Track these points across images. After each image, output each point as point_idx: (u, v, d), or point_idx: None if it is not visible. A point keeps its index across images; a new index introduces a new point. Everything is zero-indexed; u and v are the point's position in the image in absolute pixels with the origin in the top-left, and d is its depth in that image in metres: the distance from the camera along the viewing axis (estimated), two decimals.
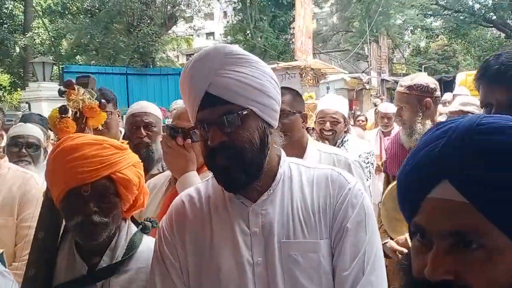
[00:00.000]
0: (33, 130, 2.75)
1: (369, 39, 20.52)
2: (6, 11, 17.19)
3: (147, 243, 1.35)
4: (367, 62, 21.48)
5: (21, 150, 2.53)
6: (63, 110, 1.46)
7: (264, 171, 1.13)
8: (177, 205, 1.25)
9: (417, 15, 22.43)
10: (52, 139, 3.31)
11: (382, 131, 5.20)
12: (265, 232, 1.12)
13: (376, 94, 20.44)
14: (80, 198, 1.23)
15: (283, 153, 1.22)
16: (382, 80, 21.26)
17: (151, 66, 16.02)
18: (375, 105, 13.44)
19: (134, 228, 1.39)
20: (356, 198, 1.15)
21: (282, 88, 2.20)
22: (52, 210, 1.35)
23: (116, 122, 2.84)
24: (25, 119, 3.40)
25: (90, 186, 1.22)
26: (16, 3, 17.94)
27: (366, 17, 21.11)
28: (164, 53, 18.35)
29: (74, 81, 1.59)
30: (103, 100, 1.54)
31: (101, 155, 1.24)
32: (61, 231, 1.40)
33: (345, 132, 3.13)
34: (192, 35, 21.97)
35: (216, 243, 1.14)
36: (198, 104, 1.07)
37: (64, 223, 1.36)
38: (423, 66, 27.09)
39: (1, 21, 17.46)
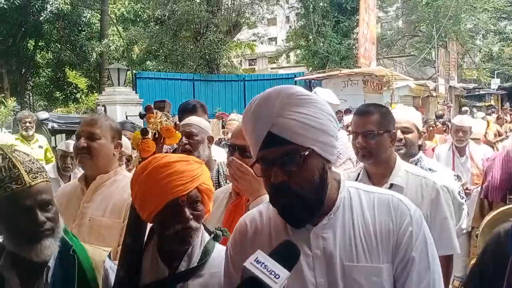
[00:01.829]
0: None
1: (437, 44, 19.74)
2: (84, 20, 18.49)
3: (219, 250, 1.46)
4: (434, 68, 20.66)
5: None
6: (144, 132, 1.65)
7: (326, 196, 1.17)
8: (241, 226, 1.31)
9: (490, 18, 21.20)
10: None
11: (456, 146, 4.71)
12: (327, 255, 1.15)
13: (444, 101, 19.65)
14: (177, 208, 1.36)
15: (342, 177, 1.25)
16: (450, 87, 20.41)
17: (215, 72, 16.54)
18: (437, 115, 12.91)
19: (207, 236, 1.50)
20: (418, 226, 1.17)
21: (371, 105, 2.27)
22: (138, 219, 1.48)
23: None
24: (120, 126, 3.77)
25: (185, 196, 1.37)
26: (93, 12, 19.25)
27: (434, 21, 20.31)
28: (228, 59, 18.84)
29: (152, 106, 1.81)
30: (177, 122, 1.75)
31: (189, 169, 1.39)
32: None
33: (420, 147, 2.84)
34: (255, 41, 22.33)
35: None
36: (261, 142, 1.12)
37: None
38: (495, 72, 25.60)
39: (80, 28, 18.84)
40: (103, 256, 1.59)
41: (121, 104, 11.95)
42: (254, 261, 1.03)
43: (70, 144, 4.29)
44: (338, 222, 1.17)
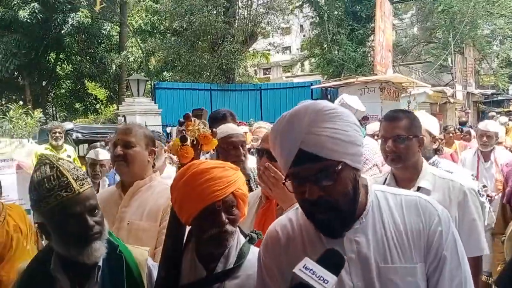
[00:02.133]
0: None
1: (454, 50, 19.61)
2: (104, 32, 18.89)
3: (254, 252, 1.50)
4: (451, 74, 20.51)
5: None
6: (183, 139, 1.71)
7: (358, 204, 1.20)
8: (272, 234, 1.33)
9: (507, 24, 20.99)
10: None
11: (481, 151, 4.76)
12: (362, 258, 1.18)
13: (462, 108, 19.46)
14: (213, 213, 1.42)
15: (369, 182, 1.27)
16: (468, 93, 20.22)
17: (232, 82, 16.71)
18: (460, 121, 12.81)
19: (242, 239, 1.56)
20: (446, 225, 1.21)
21: (399, 111, 2.34)
22: (177, 222, 1.54)
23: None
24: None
25: (221, 201, 1.42)
26: (113, 25, 19.67)
27: (451, 27, 20.19)
28: (245, 69, 19.01)
29: (191, 114, 1.85)
30: (214, 129, 1.79)
31: (226, 175, 1.44)
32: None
33: (436, 151, 2.88)
34: (269, 50, 22.48)
35: None
36: (292, 160, 1.14)
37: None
38: None
39: (100, 41, 19.26)
40: (145, 255, 1.67)
41: (140, 114, 12.18)
42: (303, 267, 1.07)
43: (99, 153, 4.44)
44: (369, 225, 1.20)
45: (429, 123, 2.72)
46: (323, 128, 1.12)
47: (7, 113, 7.37)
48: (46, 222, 1.48)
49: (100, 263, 1.51)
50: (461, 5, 19.58)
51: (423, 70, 22.99)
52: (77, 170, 1.50)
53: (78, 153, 7.86)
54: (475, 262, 2.14)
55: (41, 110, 9.33)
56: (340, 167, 1.12)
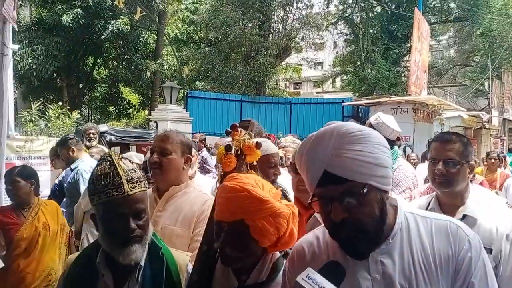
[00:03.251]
0: None
1: (491, 75, 19.14)
2: (142, 40, 19.39)
3: None
4: (487, 99, 20.00)
5: None
6: (228, 148, 1.74)
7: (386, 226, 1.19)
8: (298, 250, 1.35)
9: None
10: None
11: None
12: (386, 279, 1.16)
13: (497, 134, 18.89)
14: (219, 229, 1.45)
15: (399, 203, 1.26)
16: (504, 119, 19.62)
17: (262, 95, 16.80)
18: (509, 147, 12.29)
19: (277, 253, 1.56)
20: (477, 252, 1.18)
21: (453, 134, 2.25)
22: (215, 228, 1.53)
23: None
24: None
25: (227, 224, 1.42)
26: (150, 33, 20.19)
27: (489, 51, 19.75)
28: (276, 82, 19.10)
29: (238, 124, 1.90)
30: (259, 141, 1.81)
31: (242, 201, 1.41)
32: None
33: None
34: (301, 65, 22.52)
35: None
36: (317, 181, 1.15)
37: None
38: None
39: (137, 48, 19.76)
40: (186, 260, 1.70)
41: (172, 121, 12.38)
42: (306, 277, 1.10)
43: (131, 156, 4.53)
44: (396, 247, 1.19)
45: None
46: (349, 150, 1.13)
47: (46, 112, 7.61)
48: (96, 215, 1.55)
49: (142, 263, 1.56)
50: (501, 30, 19.12)
51: (458, 94, 22.51)
52: (134, 171, 1.56)
53: None
54: None
55: (78, 111, 9.61)
56: (365, 189, 1.12)
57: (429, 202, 2.26)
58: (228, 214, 1.42)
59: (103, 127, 8.16)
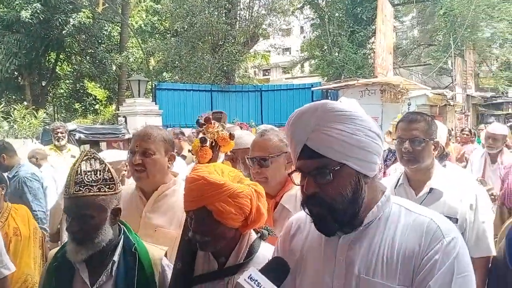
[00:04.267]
0: None
1: (454, 53, 19.68)
2: (105, 33, 18.90)
3: (264, 248, 1.59)
4: (451, 76, 20.58)
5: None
6: (203, 140, 1.77)
7: (361, 211, 1.18)
8: (287, 224, 1.42)
9: (507, 27, 21.08)
10: None
11: (488, 153, 4.88)
12: (348, 263, 1.18)
13: (461, 110, 19.52)
14: (190, 219, 1.53)
15: (387, 192, 1.25)
16: (468, 95, 20.29)
17: (232, 83, 16.73)
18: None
19: (254, 235, 1.62)
20: (447, 255, 1.10)
21: (417, 114, 2.36)
22: None
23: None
24: None
25: (192, 212, 1.51)
26: (114, 25, 19.68)
27: (451, 30, 20.27)
28: (246, 70, 19.04)
29: (211, 116, 1.92)
30: (232, 132, 1.84)
31: (203, 189, 1.47)
32: None
33: (441, 157, 2.88)
34: (269, 51, 22.51)
35: (304, 263, 1.28)
36: (298, 153, 1.18)
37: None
38: None
39: (100, 41, 19.26)
40: (161, 255, 1.76)
41: (141, 115, 12.14)
42: (248, 278, 1.12)
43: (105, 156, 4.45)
44: (368, 235, 1.19)
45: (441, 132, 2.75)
46: (329, 128, 1.14)
47: (11, 114, 7.37)
48: None
49: (116, 259, 1.64)
50: (462, 8, 19.64)
51: (423, 73, 23.05)
52: (94, 174, 1.59)
53: None
54: (484, 263, 2.21)
55: (45, 111, 9.34)
56: (338, 167, 1.13)
57: (398, 179, 2.37)
58: (191, 203, 1.49)
59: (71, 125, 7.98)
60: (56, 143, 6.11)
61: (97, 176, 1.58)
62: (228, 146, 1.85)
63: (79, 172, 1.56)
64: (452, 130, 11.39)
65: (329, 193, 1.14)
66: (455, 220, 2.14)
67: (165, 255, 1.81)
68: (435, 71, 20.89)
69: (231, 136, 1.82)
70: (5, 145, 4.48)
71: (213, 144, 1.79)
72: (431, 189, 2.23)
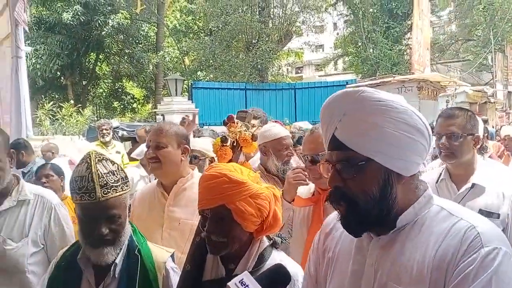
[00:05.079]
0: (194, 144, 3.24)
1: (494, 48, 19.04)
2: (142, 33, 19.41)
3: (275, 256, 1.49)
4: (491, 73, 19.91)
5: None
6: (224, 139, 1.78)
7: (395, 211, 1.08)
8: (326, 221, 1.34)
9: None
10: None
11: None
12: (377, 268, 1.09)
13: (502, 108, 18.87)
14: (203, 218, 1.47)
15: (428, 191, 1.13)
16: (509, 92, 19.58)
17: (265, 81, 16.83)
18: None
19: (266, 243, 1.54)
20: (484, 267, 0.96)
21: (456, 109, 2.36)
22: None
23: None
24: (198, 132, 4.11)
25: (210, 210, 1.43)
26: (150, 26, 20.18)
27: (491, 24, 19.62)
28: (279, 68, 19.10)
29: (234, 116, 1.90)
30: (255, 133, 1.83)
31: (220, 187, 1.42)
32: None
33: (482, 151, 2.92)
34: (301, 49, 22.46)
35: (336, 263, 1.20)
36: (327, 144, 1.11)
37: None
38: None
39: (137, 41, 19.79)
40: (165, 257, 1.71)
41: (178, 113, 12.39)
42: (239, 282, 1.05)
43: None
44: (401, 239, 1.08)
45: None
46: (359, 119, 1.04)
47: (58, 112, 7.74)
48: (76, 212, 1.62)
49: (118, 260, 1.62)
50: (502, 2, 18.98)
51: (461, 69, 22.41)
52: (113, 174, 1.57)
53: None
54: None
55: (91, 108, 9.72)
56: (363, 162, 1.03)
57: (440, 174, 2.38)
58: (209, 201, 1.43)
59: (115, 123, 8.28)
60: (102, 139, 6.40)
61: (116, 177, 1.57)
62: (250, 148, 1.84)
63: (100, 175, 1.53)
64: (493, 127, 11.00)
65: (352, 189, 1.05)
66: (497, 216, 2.12)
67: (172, 258, 1.78)
68: (474, 67, 20.27)
69: (254, 137, 1.82)
70: (25, 144, 4.71)
71: (235, 144, 1.80)
72: (473, 185, 2.22)
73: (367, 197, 1.04)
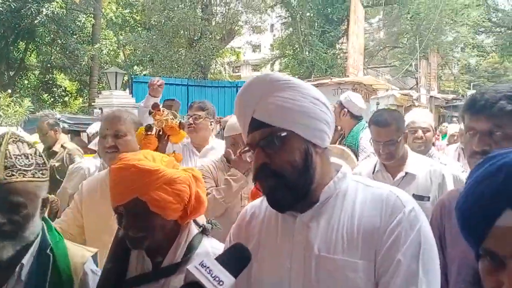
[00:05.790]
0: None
1: (419, 56, 20.59)
2: (78, 24, 18.55)
3: (206, 245, 1.41)
4: (415, 78, 21.47)
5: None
6: (148, 128, 1.70)
7: (315, 186, 1.14)
8: (243, 212, 1.35)
9: (469, 32, 22.28)
10: None
11: (462, 148, 5.09)
12: (306, 243, 1.13)
13: None
14: (120, 216, 1.35)
15: (343, 169, 1.22)
16: (431, 97, 21.22)
17: (206, 78, 16.90)
18: None
19: (195, 231, 1.44)
20: (411, 226, 1.06)
21: (387, 115, 2.60)
22: None
23: (204, 126, 3.46)
24: None
25: (123, 207, 1.32)
26: (87, 16, 19.35)
27: (417, 33, 21.18)
28: (222, 66, 19.22)
29: (160, 104, 1.87)
30: (182, 121, 1.77)
31: (130, 179, 1.30)
32: None
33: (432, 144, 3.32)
34: (240, 48, 22.73)
35: (262, 248, 1.21)
36: (247, 128, 1.16)
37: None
38: (472, 84, 26.71)
39: (72, 32, 18.88)
40: (84, 258, 1.50)
41: (117, 107, 12.10)
42: (199, 265, 1.01)
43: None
44: (326, 213, 1.15)
45: (432, 119, 3.17)
46: (274, 97, 1.13)
47: None
48: None
49: (25, 261, 1.38)
50: (428, 12, 20.55)
51: (390, 74, 23.90)
52: (26, 158, 1.37)
53: None
54: None
55: (30, 99, 9.23)
56: (284, 134, 1.10)
57: (375, 165, 2.71)
58: (121, 196, 1.31)
59: (56, 115, 7.97)
60: None
61: (29, 161, 1.37)
62: (178, 136, 1.75)
63: (8, 155, 1.33)
64: None
65: (278, 162, 1.11)
66: (428, 199, 2.45)
67: (95, 258, 1.59)
68: (401, 73, 21.74)
69: (181, 125, 1.74)
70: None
71: (160, 132, 1.70)
72: (406, 173, 2.56)
73: (293, 168, 1.11)
